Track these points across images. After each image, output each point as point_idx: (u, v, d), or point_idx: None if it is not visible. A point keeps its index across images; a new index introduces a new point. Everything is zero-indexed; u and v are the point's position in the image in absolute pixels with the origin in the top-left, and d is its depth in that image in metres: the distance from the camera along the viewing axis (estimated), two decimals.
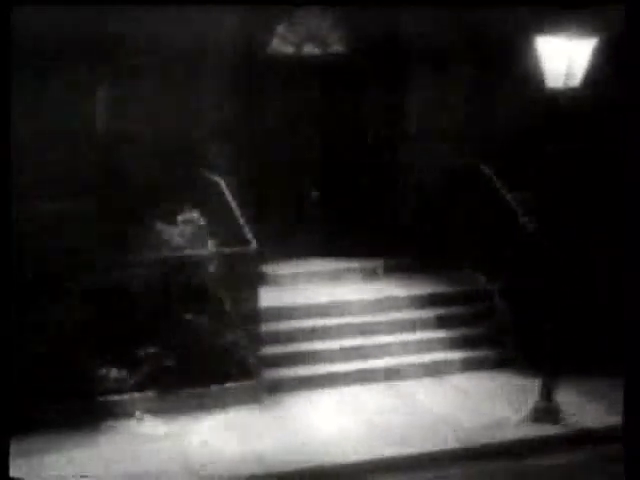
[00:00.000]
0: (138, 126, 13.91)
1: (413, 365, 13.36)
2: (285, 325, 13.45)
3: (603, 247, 13.64)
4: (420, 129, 15.21)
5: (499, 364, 13.62)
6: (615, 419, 11.66)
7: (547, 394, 12.09)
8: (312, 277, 14.69)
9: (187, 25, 13.77)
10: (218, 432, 11.68)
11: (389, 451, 11.33)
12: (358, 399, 12.66)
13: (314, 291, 14.29)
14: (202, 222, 13.07)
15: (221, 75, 14.31)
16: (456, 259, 14.83)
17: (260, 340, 12.71)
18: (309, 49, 14.88)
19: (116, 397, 11.94)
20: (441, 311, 14.10)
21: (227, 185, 13.45)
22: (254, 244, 12.63)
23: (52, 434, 11.36)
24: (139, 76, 13.84)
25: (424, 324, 13.93)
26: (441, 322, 13.96)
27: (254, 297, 12.62)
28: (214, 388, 12.27)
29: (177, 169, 13.92)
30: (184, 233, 12.89)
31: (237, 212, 13.02)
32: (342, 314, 13.82)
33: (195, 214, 13.12)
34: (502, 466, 11.31)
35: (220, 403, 12.22)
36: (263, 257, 13.36)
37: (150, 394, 12.05)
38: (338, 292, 14.29)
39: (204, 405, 12.16)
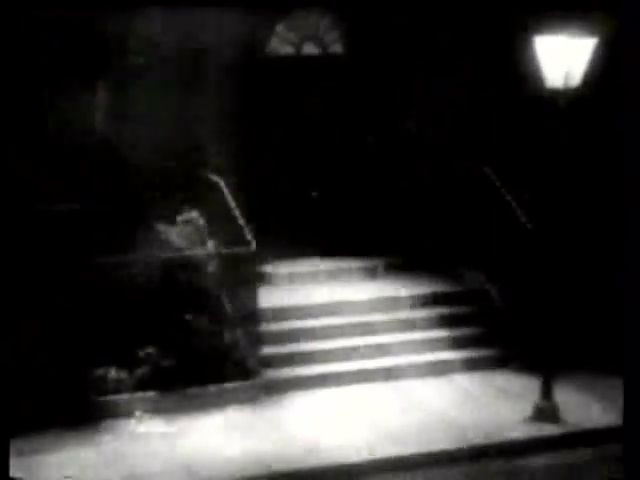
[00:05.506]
0: (138, 126, 13.91)
1: (413, 365, 13.34)
2: (284, 325, 13.42)
3: (604, 246, 13.62)
4: (420, 129, 15.23)
5: (499, 363, 13.60)
6: (615, 419, 11.69)
7: (547, 393, 12.08)
8: (312, 277, 14.66)
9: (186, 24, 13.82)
10: (217, 432, 11.67)
11: (389, 451, 11.32)
12: (358, 399, 12.65)
13: (314, 291, 14.26)
14: (202, 222, 13.06)
15: (221, 74, 14.30)
16: (456, 258, 14.80)
17: (259, 340, 12.70)
18: (309, 49, 14.90)
19: (115, 397, 11.94)
20: (441, 310, 14.08)
21: (226, 185, 13.43)
22: (253, 244, 12.62)
23: (51, 434, 11.35)
24: (138, 76, 13.83)
25: (424, 323, 13.91)
26: (441, 321, 13.94)
27: (253, 297, 12.62)
28: (213, 388, 12.27)
29: (177, 169, 13.91)
30: (184, 233, 12.88)
31: (236, 212, 13.01)
32: (342, 313, 13.80)
33: (195, 214, 13.11)
34: (502, 466, 11.30)
35: (219, 403, 12.21)
36: (262, 257, 13.34)
37: (149, 394, 12.05)
38: (338, 292, 14.27)
39: (203, 405, 12.15)
